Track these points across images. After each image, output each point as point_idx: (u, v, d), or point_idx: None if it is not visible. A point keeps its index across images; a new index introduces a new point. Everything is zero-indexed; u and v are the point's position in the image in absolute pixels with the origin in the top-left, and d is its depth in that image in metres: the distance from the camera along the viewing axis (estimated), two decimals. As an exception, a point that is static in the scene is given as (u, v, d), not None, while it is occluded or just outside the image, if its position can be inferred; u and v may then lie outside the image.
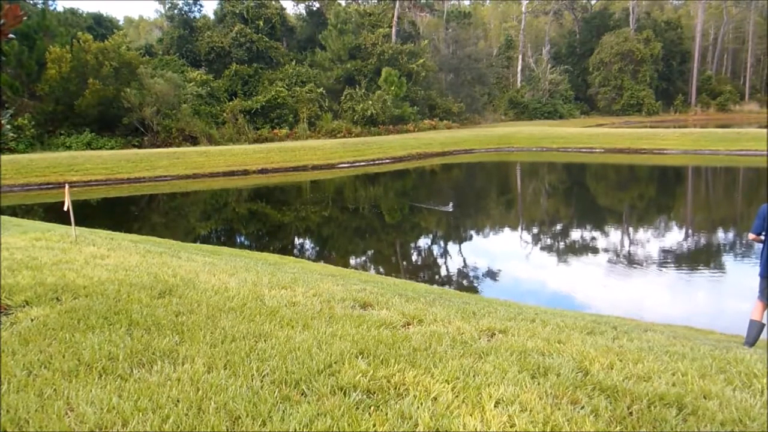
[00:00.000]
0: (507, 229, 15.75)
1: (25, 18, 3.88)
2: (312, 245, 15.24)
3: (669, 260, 11.72)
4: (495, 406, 2.93)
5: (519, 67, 60.38)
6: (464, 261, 12.69)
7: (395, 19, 45.84)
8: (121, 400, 2.94)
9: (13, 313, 4.49)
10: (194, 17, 44.28)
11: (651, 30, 60.86)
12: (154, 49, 43.28)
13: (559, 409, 2.94)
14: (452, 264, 12.64)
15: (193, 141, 33.01)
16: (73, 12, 39.28)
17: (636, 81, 58.23)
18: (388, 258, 13.59)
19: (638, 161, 30.07)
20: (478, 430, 2.72)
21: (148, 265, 6.53)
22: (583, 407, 2.99)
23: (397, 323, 4.57)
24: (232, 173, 26.01)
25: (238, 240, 15.79)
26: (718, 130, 36.59)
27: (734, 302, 8.77)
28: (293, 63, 42.74)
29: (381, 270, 11.95)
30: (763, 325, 5.71)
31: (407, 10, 48.54)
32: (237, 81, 39.39)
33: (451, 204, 19.15)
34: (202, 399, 2.97)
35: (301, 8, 52.01)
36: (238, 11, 42.83)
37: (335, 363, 3.48)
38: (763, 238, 5.71)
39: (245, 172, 26.34)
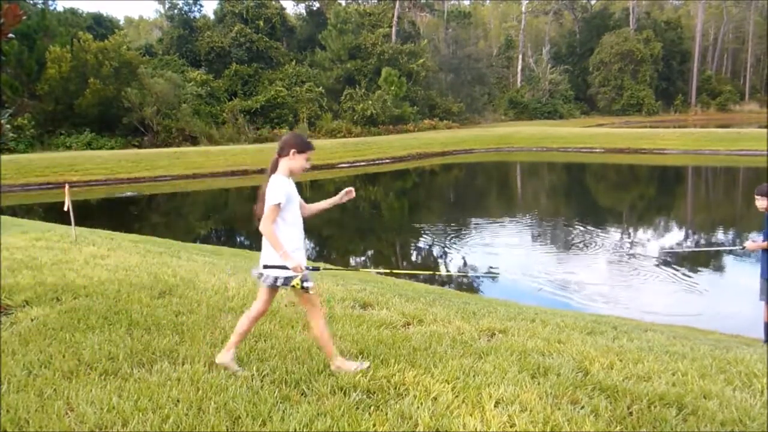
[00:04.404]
0: (507, 228, 15.75)
1: (24, 18, 3.89)
2: (312, 245, 15.24)
3: (669, 260, 11.72)
4: (495, 406, 2.94)
5: (519, 67, 60.35)
6: (464, 261, 12.69)
7: (395, 19, 45.81)
8: (121, 400, 2.94)
9: (13, 313, 4.50)
10: (194, 17, 44.27)
11: (651, 30, 60.81)
12: (154, 49, 43.26)
13: (559, 409, 2.94)
14: (452, 264, 12.64)
15: (193, 141, 32.99)
16: (73, 12, 39.23)
17: (636, 81, 58.20)
18: (387, 258, 13.59)
19: (638, 161, 30.05)
20: (478, 430, 2.72)
21: (148, 265, 6.53)
22: (583, 407, 3.00)
23: (397, 323, 4.57)
24: (232, 173, 25.99)
25: (239, 240, 15.79)
26: (718, 130, 36.56)
27: (734, 302, 8.76)
28: (293, 63, 42.73)
29: (381, 270, 11.94)
30: None
31: (407, 10, 48.51)
32: (237, 81, 39.38)
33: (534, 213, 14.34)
34: (202, 399, 2.97)
35: (301, 8, 52.05)
36: (238, 11, 42.82)
37: (335, 363, 3.48)
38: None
39: (245, 172, 26.30)
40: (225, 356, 3.41)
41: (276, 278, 3.27)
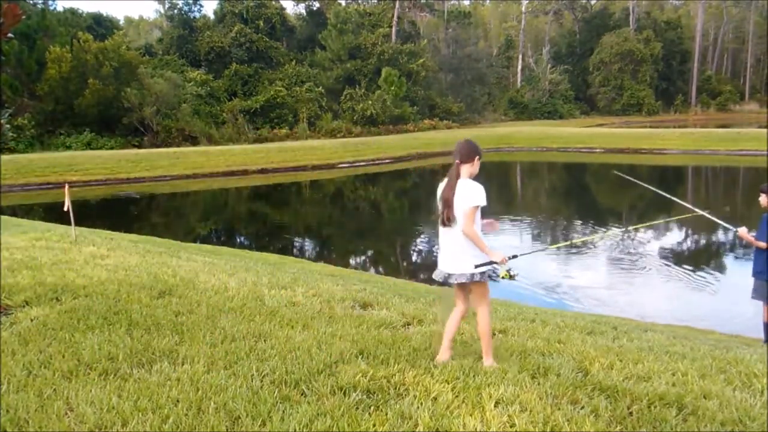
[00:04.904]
0: (507, 228, 15.75)
1: (24, 18, 3.90)
2: (312, 245, 15.24)
3: (669, 260, 11.72)
4: (495, 406, 2.93)
5: (519, 67, 60.34)
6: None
7: (395, 19, 45.82)
8: (121, 400, 2.94)
9: (13, 313, 4.49)
10: (194, 17, 44.26)
11: (651, 30, 60.81)
12: (154, 49, 43.24)
13: (559, 409, 2.94)
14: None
15: (193, 141, 33.00)
16: (73, 12, 39.21)
17: (636, 81, 58.20)
18: (387, 258, 13.59)
19: (638, 161, 30.06)
20: (478, 430, 2.72)
21: (148, 265, 6.53)
22: (583, 407, 2.99)
23: (397, 323, 4.57)
24: (232, 173, 25.99)
25: (238, 240, 15.79)
26: (718, 130, 36.56)
27: (734, 303, 8.76)
28: (293, 63, 42.73)
29: (381, 270, 11.95)
30: None
31: (407, 10, 48.51)
32: (237, 81, 39.38)
33: None
34: (202, 399, 2.97)
35: (301, 8, 52.04)
36: (238, 11, 42.82)
37: (335, 363, 3.48)
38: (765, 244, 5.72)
39: (245, 172, 26.32)
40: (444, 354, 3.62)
41: (482, 274, 3.51)
